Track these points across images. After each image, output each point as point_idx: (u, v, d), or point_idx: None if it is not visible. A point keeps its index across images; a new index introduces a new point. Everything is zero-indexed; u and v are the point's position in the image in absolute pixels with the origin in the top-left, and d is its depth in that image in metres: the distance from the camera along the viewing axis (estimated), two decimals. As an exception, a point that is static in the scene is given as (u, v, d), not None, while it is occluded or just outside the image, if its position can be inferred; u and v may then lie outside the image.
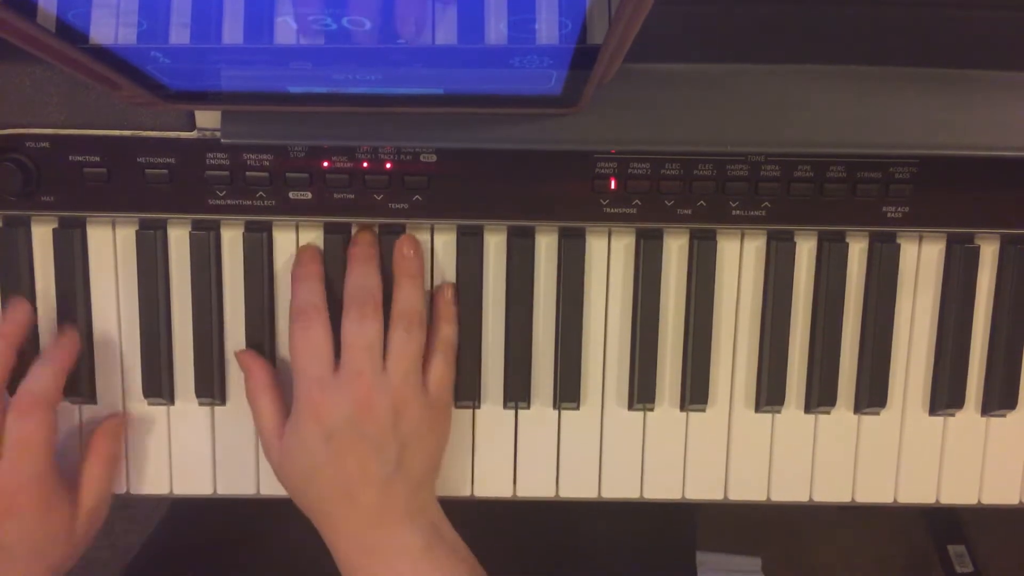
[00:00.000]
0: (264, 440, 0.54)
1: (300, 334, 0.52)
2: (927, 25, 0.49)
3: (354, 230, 0.55)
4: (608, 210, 0.54)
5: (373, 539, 0.51)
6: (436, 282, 0.56)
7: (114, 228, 0.56)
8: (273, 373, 0.55)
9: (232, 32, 0.34)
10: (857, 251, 0.56)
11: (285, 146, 0.52)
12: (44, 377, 0.53)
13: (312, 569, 0.54)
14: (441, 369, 0.54)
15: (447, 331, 0.55)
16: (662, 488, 0.58)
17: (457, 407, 0.57)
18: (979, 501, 0.59)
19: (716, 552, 1.03)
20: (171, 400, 0.57)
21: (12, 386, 0.53)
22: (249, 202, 0.53)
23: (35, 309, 0.56)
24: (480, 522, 0.55)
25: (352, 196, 0.53)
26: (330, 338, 0.52)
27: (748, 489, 0.58)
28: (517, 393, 0.57)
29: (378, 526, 0.51)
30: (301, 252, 0.55)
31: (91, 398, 0.57)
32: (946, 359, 0.57)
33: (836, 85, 0.49)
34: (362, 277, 0.53)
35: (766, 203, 0.54)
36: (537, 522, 0.72)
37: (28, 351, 0.55)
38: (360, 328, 0.51)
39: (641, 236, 0.56)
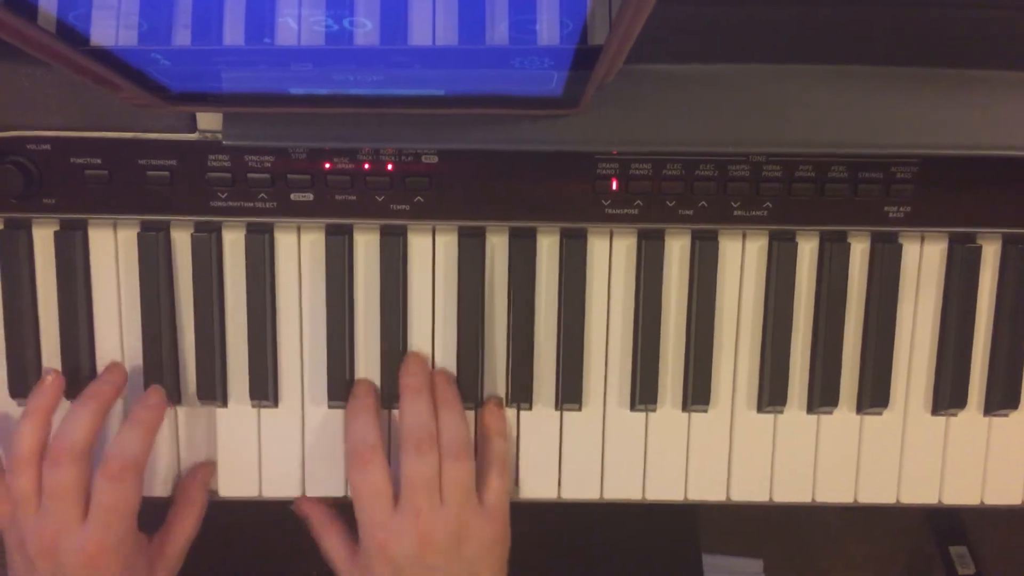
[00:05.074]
0: (339, 571, 0.56)
1: (359, 476, 0.53)
2: (927, 25, 0.49)
3: (355, 232, 0.55)
4: (609, 211, 0.54)
5: None
6: (439, 286, 0.56)
7: (115, 230, 0.56)
8: (330, 510, 0.58)
9: (233, 34, 0.34)
10: (859, 251, 0.56)
11: (287, 148, 0.52)
12: (134, 441, 0.53)
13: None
14: (496, 484, 0.55)
15: (498, 445, 0.56)
16: (664, 489, 0.58)
17: (459, 408, 0.57)
18: (981, 502, 0.59)
19: (718, 554, 1.03)
20: (173, 402, 0.57)
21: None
22: (251, 204, 0.53)
23: (36, 311, 0.56)
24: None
25: (354, 197, 0.53)
26: (388, 477, 0.53)
27: (750, 490, 0.58)
28: (519, 394, 0.57)
29: None
30: (356, 386, 0.56)
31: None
32: (948, 359, 0.57)
33: (837, 85, 0.49)
34: (417, 415, 0.54)
35: (768, 203, 0.54)
36: (543, 524, 0.72)
37: (28, 358, 0.55)
38: (417, 464, 0.52)
39: (643, 237, 0.56)
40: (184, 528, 0.57)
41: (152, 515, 0.55)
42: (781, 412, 0.58)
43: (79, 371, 0.56)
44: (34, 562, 0.51)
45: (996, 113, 0.49)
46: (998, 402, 0.57)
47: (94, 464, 0.53)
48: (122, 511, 0.52)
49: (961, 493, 0.59)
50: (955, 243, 0.56)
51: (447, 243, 0.56)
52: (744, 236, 0.56)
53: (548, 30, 0.34)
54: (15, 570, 0.53)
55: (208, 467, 0.58)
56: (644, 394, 0.56)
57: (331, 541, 0.57)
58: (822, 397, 0.57)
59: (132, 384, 0.57)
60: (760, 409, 0.58)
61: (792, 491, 0.58)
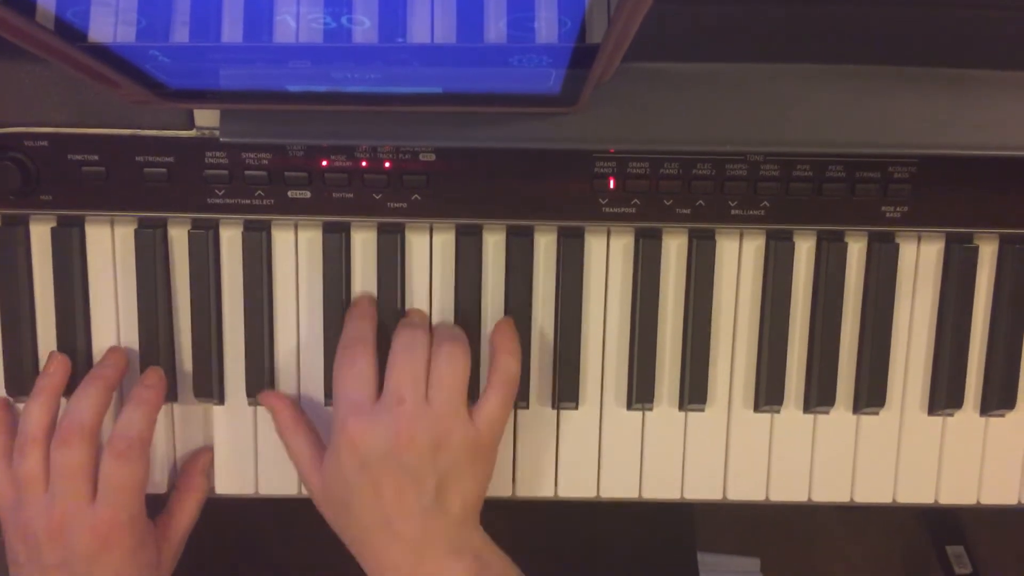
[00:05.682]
0: (302, 474, 0.54)
1: (345, 363, 0.52)
2: (927, 25, 0.49)
3: (353, 230, 0.55)
4: (607, 209, 0.54)
5: (416, 573, 0.49)
6: (436, 285, 0.56)
7: (112, 227, 0.55)
8: (299, 408, 0.56)
9: (231, 30, 0.34)
10: (856, 251, 0.56)
11: (284, 145, 0.52)
12: (138, 420, 0.53)
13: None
14: (494, 405, 0.52)
15: (508, 364, 0.53)
16: (661, 488, 0.58)
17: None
18: (978, 501, 0.59)
19: (715, 553, 1.03)
20: (169, 400, 0.57)
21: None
22: (248, 201, 0.53)
23: (33, 309, 0.56)
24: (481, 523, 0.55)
25: (351, 195, 0.53)
26: (374, 370, 0.52)
27: (747, 489, 0.58)
28: (516, 393, 0.57)
29: (420, 560, 0.49)
30: (359, 298, 0.56)
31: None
32: (945, 359, 0.57)
33: (836, 85, 0.49)
34: (410, 336, 0.52)
35: (765, 203, 0.54)
36: (538, 523, 0.72)
37: (24, 354, 0.55)
38: (407, 355, 0.51)
39: (640, 236, 0.56)
40: (186, 512, 0.57)
41: (150, 513, 0.55)
42: (778, 411, 0.58)
43: (76, 368, 0.55)
44: (41, 546, 0.51)
45: (994, 113, 0.49)
46: (994, 402, 0.58)
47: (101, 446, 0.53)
48: (130, 489, 0.52)
49: (958, 493, 0.59)
50: (952, 243, 0.56)
51: (444, 241, 0.56)
52: (741, 235, 0.56)
53: (546, 28, 0.34)
54: (16, 560, 0.53)
55: (208, 453, 0.58)
56: (641, 393, 0.56)
57: (297, 440, 0.54)
58: (819, 396, 0.57)
59: (128, 382, 0.56)
60: (757, 408, 0.58)
61: (789, 490, 0.59)
